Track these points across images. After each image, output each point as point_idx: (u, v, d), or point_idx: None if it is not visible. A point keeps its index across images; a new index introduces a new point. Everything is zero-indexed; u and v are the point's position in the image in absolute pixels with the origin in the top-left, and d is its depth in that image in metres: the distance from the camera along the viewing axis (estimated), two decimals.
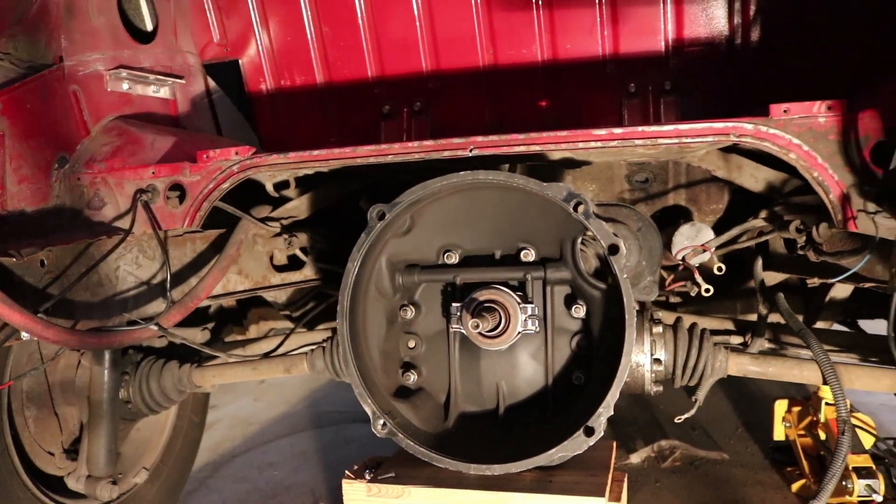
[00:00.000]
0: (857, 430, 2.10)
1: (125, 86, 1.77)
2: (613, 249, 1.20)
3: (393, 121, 1.94)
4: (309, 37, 1.97)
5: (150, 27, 1.95)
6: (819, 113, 1.19)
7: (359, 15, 1.91)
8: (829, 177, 1.19)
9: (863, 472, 1.93)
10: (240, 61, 2.06)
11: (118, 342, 1.45)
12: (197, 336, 1.88)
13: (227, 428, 2.71)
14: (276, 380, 3.75)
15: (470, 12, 1.86)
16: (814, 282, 1.64)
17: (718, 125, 1.23)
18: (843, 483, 1.98)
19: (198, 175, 1.47)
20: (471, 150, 1.28)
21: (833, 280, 1.42)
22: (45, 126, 1.55)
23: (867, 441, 2.11)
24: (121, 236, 1.49)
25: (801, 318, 1.93)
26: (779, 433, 2.36)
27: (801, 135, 1.20)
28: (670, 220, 1.81)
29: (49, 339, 1.28)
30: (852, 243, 1.43)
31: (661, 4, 1.77)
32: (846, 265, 1.36)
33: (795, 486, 2.24)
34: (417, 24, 1.90)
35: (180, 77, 1.97)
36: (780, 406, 2.36)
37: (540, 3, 1.83)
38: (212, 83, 2.09)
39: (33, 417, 1.85)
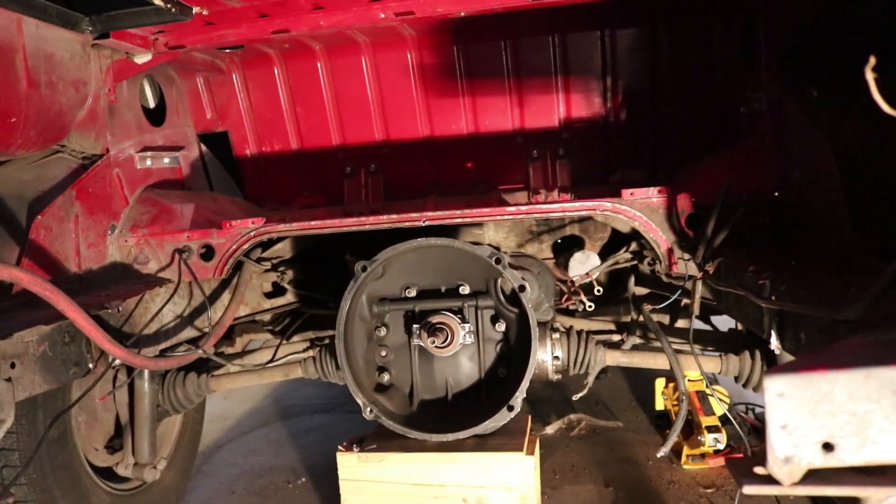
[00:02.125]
0: (713, 399, 2.83)
1: (149, 162, 2.32)
2: (522, 289, 1.84)
3: (353, 179, 2.53)
4: (285, 115, 2.54)
5: (152, 104, 2.50)
6: (652, 196, 1.84)
7: (325, 99, 2.49)
8: (659, 237, 1.85)
9: (711, 429, 2.66)
10: (228, 132, 2.64)
11: (175, 363, 2.02)
12: (212, 353, 2.46)
13: (208, 423, 3.25)
14: None
15: (412, 97, 2.46)
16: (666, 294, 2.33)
17: (589, 203, 1.86)
18: (699, 438, 2.70)
19: (223, 238, 2.04)
20: (423, 222, 1.90)
21: (673, 296, 2.10)
22: (101, 203, 2.09)
23: (719, 407, 2.83)
24: (169, 284, 2.07)
25: (667, 318, 2.64)
26: (659, 404, 3.06)
27: (642, 210, 1.86)
28: (569, 245, 2.47)
29: (136, 365, 1.85)
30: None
31: (555, 94, 2.41)
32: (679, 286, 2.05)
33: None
34: (371, 106, 2.48)
35: (183, 148, 2.54)
36: (660, 383, 3.07)
37: (464, 91, 2.45)
38: (204, 149, 2.65)
39: (84, 422, 2.40)
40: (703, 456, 2.70)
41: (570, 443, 3.04)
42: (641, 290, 2.51)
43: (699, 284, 1.77)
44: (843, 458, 0.83)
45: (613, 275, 2.52)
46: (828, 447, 0.84)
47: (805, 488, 0.87)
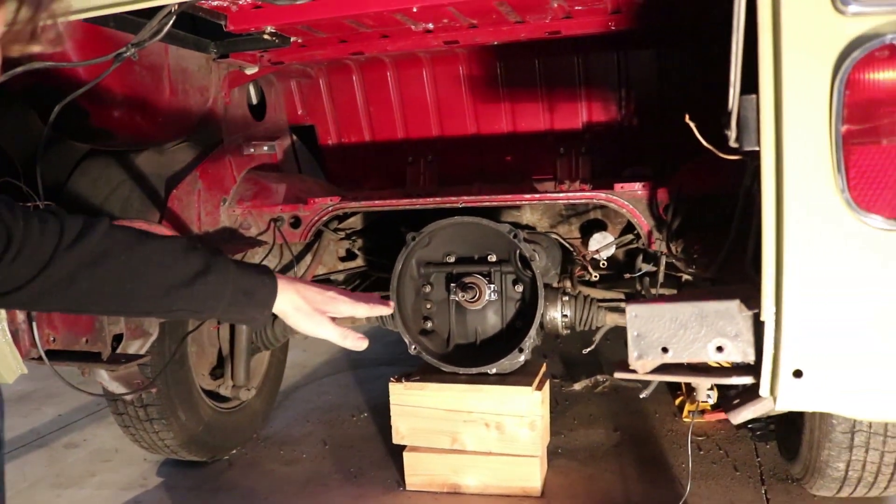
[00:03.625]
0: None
1: (252, 150, 2.95)
2: (532, 257, 2.43)
3: (414, 167, 3.15)
4: (360, 113, 3.16)
5: (254, 102, 3.17)
6: (637, 189, 2.37)
7: (393, 101, 3.10)
8: (642, 221, 2.39)
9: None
10: (314, 126, 3.29)
11: None
12: None
13: (289, 370, 3.90)
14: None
15: (462, 102, 3.02)
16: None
17: (588, 194, 2.42)
18: (694, 394, 3.22)
19: (308, 211, 2.67)
20: (461, 204, 2.50)
21: (657, 269, 2.63)
22: (216, 181, 2.74)
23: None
24: (265, 246, 2.73)
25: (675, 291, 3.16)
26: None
27: (629, 200, 2.38)
28: (593, 227, 3.02)
29: None
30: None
31: (579, 102, 2.96)
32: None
33: (676, 402, 3.50)
34: (430, 107, 3.07)
35: (278, 138, 3.19)
36: None
37: (504, 98, 3.03)
38: (295, 139, 3.31)
39: (194, 352, 3.09)
40: (702, 412, 3.24)
41: (593, 398, 3.60)
42: (651, 268, 3.04)
43: (663, 258, 2.31)
44: (673, 357, 1.39)
45: (630, 254, 3.06)
46: (665, 350, 1.40)
47: (654, 376, 1.43)
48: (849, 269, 1.24)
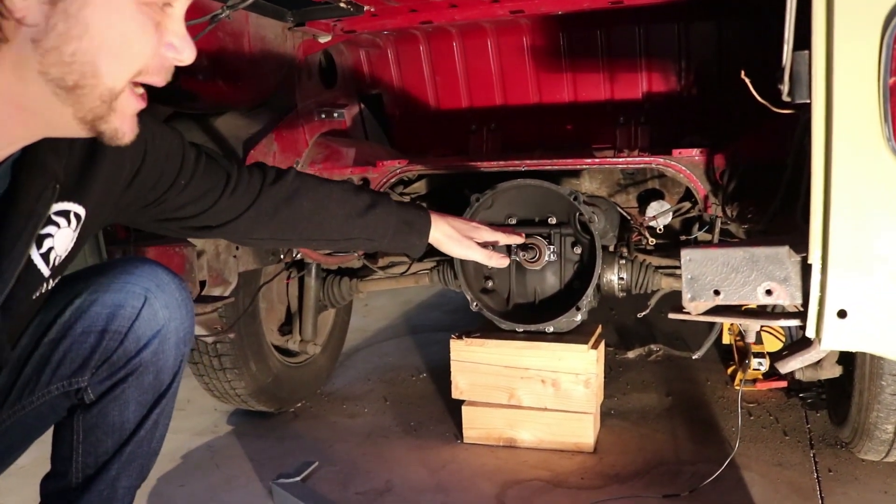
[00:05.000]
0: (766, 333, 3.42)
1: (322, 115, 3.12)
2: (591, 220, 2.55)
3: (477, 135, 3.27)
4: (426, 83, 3.30)
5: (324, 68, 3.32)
6: (695, 154, 2.47)
7: (458, 71, 3.24)
8: (698, 186, 2.48)
9: (757, 356, 3.27)
10: (382, 95, 3.44)
11: (341, 261, 2.87)
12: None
13: (351, 333, 4.05)
14: (379, 302, 5.24)
15: (525, 71, 3.14)
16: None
17: (647, 159, 2.53)
18: (746, 362, 3.32)
19: (376, 174, 2.82)
20: (523, 168, 2.62)
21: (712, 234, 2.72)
22: (290, 144, 2.91)
23: (775, 343, 3.42)
24: None
25: None
26: (726, 339, 3.70)
27: (687, 165, 2.48)
28: (650, 196, 3.12)
29: (314, 259, 2.71)
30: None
31: (639, 72, 3.06)
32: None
33: (729, 371, 3.58)
34: (493, 77, 3.20)
35: (346, 106, 3.35)
36: (726, 322, 3.69)
37: (566, 67, 3.14)
38: (363, 107, 3.47)
39: (264, 308, 3.28)
40: (754, 381, 3.32)
41: (646, 365, 3.71)
42: (706, 236, 3.13)
43: (718, 221, 2.41)
44: (725, 299, 1.50)
45: (685, 224, 3.15)
46: (717, 292, 1.51)
47: (706, 317, 1.55)
48: (891, 215, 1.34)
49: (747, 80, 1.46)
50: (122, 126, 1.13)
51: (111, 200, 1.40)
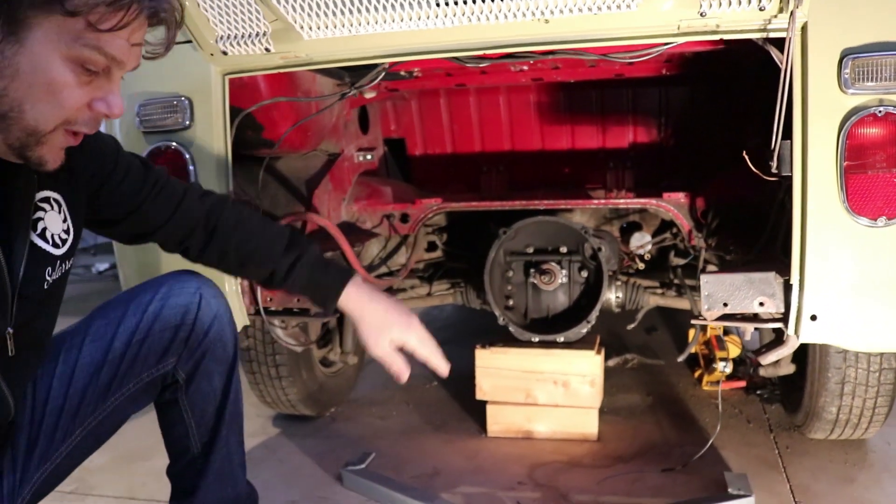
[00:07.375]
0: (728, 341, 4.15)
1: (360, 158, 3.73)
2: (599, 249, 3.22)
3: (487, 175, 3.91)
4: (444, 129, 3.91)
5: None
6: (680, 197, 3.15)
7: (472, 120, 3.90)
8: (683, 223, 3.16)
9: (723, 360, 3.98)
10: (404, 139, 4.06)
11: (387, 283, 3.47)
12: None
13: None
14: None
15: (531, 123, 3.84)
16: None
17: (643, 200, 3.21)
18: (713, 365, 4.04)
19: (416, 209, 3.41)
20: (542, 207, 3.28)
21: (686, 259, 3.43)
22: (339, 183, 3.47)
23: (734, 349, 4.14)
24: (378, 236, 3.50)
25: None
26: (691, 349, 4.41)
27: (674, 206, 3.15)
28: (630, 228, 3.82)
29: (368, 279, 3.30)
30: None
31: (627, 126, 3.76)
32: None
33: (696, 374, 4.29)
34: (503, 126, 3.86)
35: (375, 149, 3.97)
36: (692, 333, 4.40)
37: (566, 121, 3.83)
38: (385, 149, 4.08)
39: (309, 324, 3.85)
40: (718, 382, 4.04)
41: (625, 372, 4.38)
42: (680, 261, 3.85)
43: (703, 252, 3.11)
44: (730, 309, 2.19)
45: (662, 250, 3.86)
46: (725, 304, 2.20)
47: (719, 322, 2.23)
48: (845, 251, 2.05)
49: (746, 157, 2.15)
50: (47, 156, 1.25)
51: (79, 188, 1.57)
